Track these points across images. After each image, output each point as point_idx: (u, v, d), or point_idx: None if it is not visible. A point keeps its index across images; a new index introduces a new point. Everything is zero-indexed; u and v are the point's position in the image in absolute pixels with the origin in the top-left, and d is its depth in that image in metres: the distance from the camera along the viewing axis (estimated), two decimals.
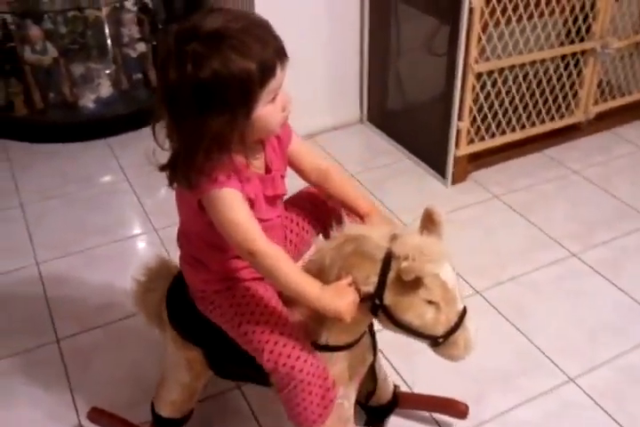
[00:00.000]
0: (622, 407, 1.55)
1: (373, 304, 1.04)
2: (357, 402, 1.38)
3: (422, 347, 1.13)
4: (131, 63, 2.62)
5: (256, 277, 1.15)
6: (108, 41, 2.54)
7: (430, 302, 1.03)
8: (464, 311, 1.07)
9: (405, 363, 1.62)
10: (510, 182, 2.30)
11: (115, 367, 1.64)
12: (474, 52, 1.95)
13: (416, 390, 1.56)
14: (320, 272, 1.08)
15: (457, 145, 2.16)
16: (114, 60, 2.58)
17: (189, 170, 0.98)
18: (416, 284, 1.01)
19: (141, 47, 2.60)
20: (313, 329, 1.13)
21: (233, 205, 1.00)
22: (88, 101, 2.58)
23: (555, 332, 1.75)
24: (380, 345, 1.27)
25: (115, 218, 2.18)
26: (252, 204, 1.05)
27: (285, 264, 1.03)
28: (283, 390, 1.11)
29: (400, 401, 1.46)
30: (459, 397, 1.51)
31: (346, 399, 1.20)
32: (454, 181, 2.26)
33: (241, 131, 0.97)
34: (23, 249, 2.04)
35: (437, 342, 1.07)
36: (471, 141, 2.18)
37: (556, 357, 1.67)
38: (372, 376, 1.31)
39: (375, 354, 1.26)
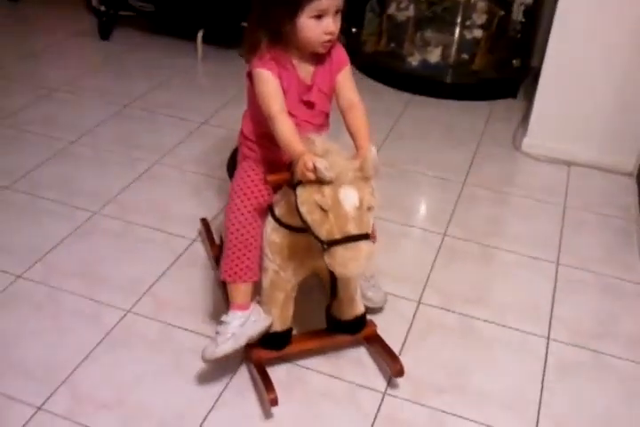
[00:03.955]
0: (559, 392, 1.64)
1: (294, 192, 1.34)
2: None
3: None
4: (464, 43, 3.03)
5: (258, 160, 1.55)
6: (458, 20, 2.98)
7: (321, 208, 1.27)
8: (353, 237, 1.24)
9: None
10: None
11: None
12: None
13: None
14: None
15: None
16: (453, 36, 3.02)
17: (248, 45, 1.44)
18: (318, 189, 1.27)
19: (477, 33, 2.98)
20: (279, 204, 1.48)
21: (266, 81, 1.42)
22: (415, 60, 3.09)
23: (579, 320, 1.87)
24: None
25: None
26: (284, 92, 1.43)
27: (284, 127, 1.37)
28: None
29: (363, 332, 1.66)
30: None
31: (282, 270, 1.51)
32: None
33: (285, 27, 1.38)
34: None
35: (323, 246, 1.27)
36: None
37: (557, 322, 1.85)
38: (331, 288, 1.56)
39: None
